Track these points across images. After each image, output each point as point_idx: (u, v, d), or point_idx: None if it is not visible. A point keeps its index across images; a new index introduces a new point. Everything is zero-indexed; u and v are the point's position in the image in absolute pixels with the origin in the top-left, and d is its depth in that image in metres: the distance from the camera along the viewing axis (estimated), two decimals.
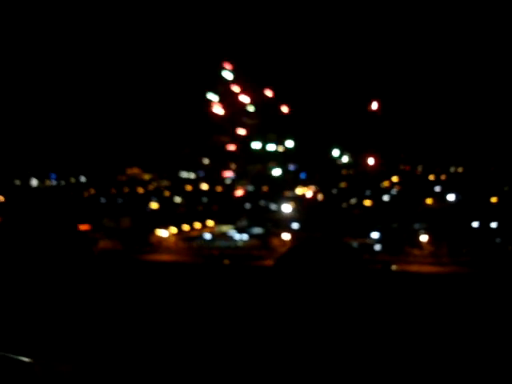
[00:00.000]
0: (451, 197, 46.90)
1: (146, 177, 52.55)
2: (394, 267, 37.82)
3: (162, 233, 47.68)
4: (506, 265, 38.31)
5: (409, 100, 48.46)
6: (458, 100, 47.48)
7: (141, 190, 51.83)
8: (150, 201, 50.82)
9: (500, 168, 46.97)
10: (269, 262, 42.45)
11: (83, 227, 48.14)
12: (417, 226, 43.42)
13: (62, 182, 51.87)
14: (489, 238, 41.17)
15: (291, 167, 51.12)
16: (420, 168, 49.16)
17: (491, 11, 44.99)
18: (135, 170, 52.54)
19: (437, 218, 43.94)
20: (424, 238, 41.89)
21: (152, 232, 47.58)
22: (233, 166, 51.92)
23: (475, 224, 42.99)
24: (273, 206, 48.80)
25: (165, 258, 44.29)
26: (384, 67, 48.54)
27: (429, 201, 47.05)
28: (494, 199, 45.47)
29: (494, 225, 42.63)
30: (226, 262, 42.27)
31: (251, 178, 50.73)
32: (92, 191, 51.75)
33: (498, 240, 40.93)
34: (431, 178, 48.52)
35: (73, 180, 52.04)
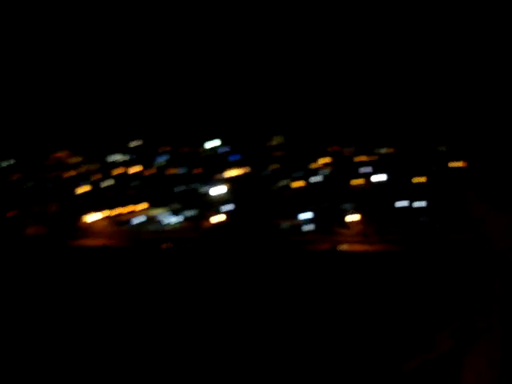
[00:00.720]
0: (379, 177, 47.91)
1: (74, 160, 51.30)
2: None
3: (91, 217, 46.79)
4: (432, 242, 39.59)
5: (340, 81, 49.06)
6: (387, 82, 48.40)
7: (69, 174, 50.58)
8: (79, 185, 49.69)
9: (428, 149, 48.30)
10: (201, 245, 42.42)
11: (10, 213, 46.71)
12: (346, 206, 44.21)
13: None
14: (416, 216, 42.37)
15: (223, 149, 51.03)
16: (349, 149, 49.96)
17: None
18: (63, 154, 51.19)
19: (366, 198, 44.87)
20: (353, 217, 42.70)
21: (81, 217, 46.62)
22: (165, 148, 51.35)
23: (403, 203, 44.14)
24: (205, 189, 48.65)
25: (95, 242, 43.53)
26: (313, 49, 48.93)
27: (358, 181, 47.95)
28: (422, 179, 46.75)
29: (421, 204, 43.89)
30: (168, 245, 41.92)
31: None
32: (17, 176, 50.13)
33: (424, 218, 42.20)
34: (360, 158, 49.41)
35: None
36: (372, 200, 44.53)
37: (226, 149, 50.83)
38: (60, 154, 51.24)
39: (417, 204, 43.96)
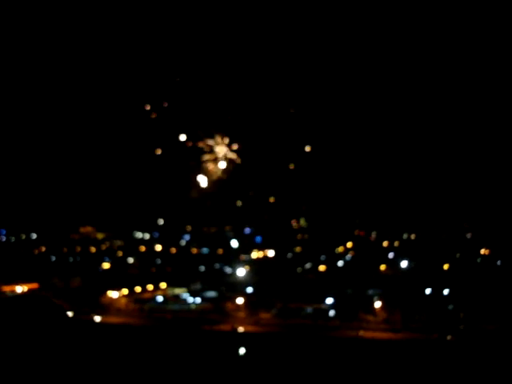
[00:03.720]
0: (404, 263, 47.45)
1: (100, 236, 51.71)
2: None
3: (112, 294, 46.64)
4: (457, 331, 38.61)
5: (363, 166, 49.41)
6: (408, 170, 48.61)
7: (93, 250, 50.89)
8: (103, 261, 49.88)
9: (451, 235, 47.90)
10: (222, 327, 41.82)
11: (31, 286, 46.82)
12: (371, 291, 43.61)
13: (12, 239, 50.66)
14: (441, 304, 41.58)
15: (247, 231, 51.09)
16: (374, 234, 49.74)
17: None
18: (88, 229, 51.69)
19: (390, 285, 44.27)
20: (378, 303, 42.03)
21: (103, 293, 46.51)
22: (189, 227, 51.60)
23: (428, 290, 43.45)
24: (227, 270, 48.43)
25: (114, 320, 43.19)
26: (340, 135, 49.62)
27: (382, 267, 47.47)
28: (445, 266, 46.18)
29: (446, 291, 43.15)
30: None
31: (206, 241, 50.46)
32: (43, 249, 50.56)
33: (450, 307, 41.38)
34: (385, 244, 49.08)
35: (23, 236, 50.85)
36: (397, 286, 43.92)
37: (250, 230, 50.91)
38: (85, 229, 51.75)
39: (442, 291, 43.26)
